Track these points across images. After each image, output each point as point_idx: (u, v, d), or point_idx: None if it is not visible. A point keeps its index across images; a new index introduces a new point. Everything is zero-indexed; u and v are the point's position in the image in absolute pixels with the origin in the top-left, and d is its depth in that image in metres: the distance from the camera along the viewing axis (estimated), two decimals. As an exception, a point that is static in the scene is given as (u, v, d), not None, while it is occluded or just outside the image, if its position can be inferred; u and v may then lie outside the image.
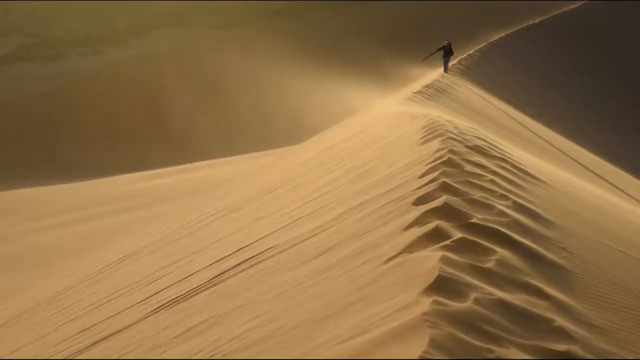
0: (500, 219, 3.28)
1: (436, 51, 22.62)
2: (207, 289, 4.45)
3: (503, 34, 39.47)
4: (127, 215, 19.63)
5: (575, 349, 2.09)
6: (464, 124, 8.03)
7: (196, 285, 4.70)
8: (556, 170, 9.43)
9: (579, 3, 49.67)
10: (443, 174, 4.01)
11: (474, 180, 3.97)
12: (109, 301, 6.17)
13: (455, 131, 6.15)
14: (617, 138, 30.77)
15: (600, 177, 15.07)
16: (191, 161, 31.98)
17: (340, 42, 47.75)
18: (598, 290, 2.98)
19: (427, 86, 17.42)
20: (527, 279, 2.60)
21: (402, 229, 3.15)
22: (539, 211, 3.89)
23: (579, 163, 15.98)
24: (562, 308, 2.46)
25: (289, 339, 2.50)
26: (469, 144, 5.42)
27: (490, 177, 4.26)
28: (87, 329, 5.36)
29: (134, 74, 44.62)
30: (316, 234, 4.32)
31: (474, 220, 3.11)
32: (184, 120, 41.04)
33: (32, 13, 49.88)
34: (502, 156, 5.51)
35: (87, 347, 4.73)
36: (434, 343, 1.86)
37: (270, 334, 2.68)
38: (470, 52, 31.81)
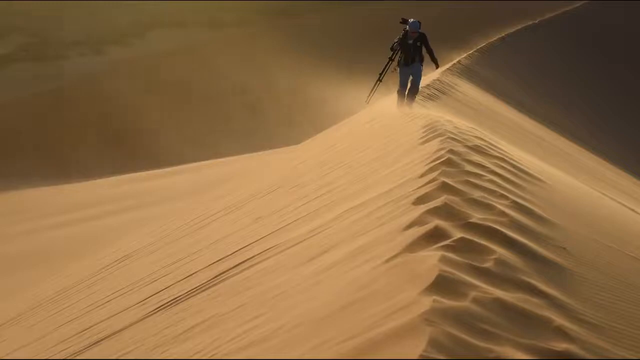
0: (499, 219, 3.28)
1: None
2: (207, 289, 4.46)
3: (503, 34, 39.48)
4: (127, 215, 19.62)
5: (574, 348, 2.10)
6: (464, 124, 8.03)
7: (196, 285, 4.70)
8: (555, 170, 9.44)
9: (579, 3, 49.65)
10: (443, 173, 4.02)
11: (473, 180, 3.97)
12: (108, 301, 6.17)
13: (455, 131, 6.16)
14: (618, 138, 30.77)
15: (600, 177, 15.08)
16: (192, 161, 31.99)
17: (339, 42, 47.72)
18: (597, 290, 2.98)
19: (427, 86, 17.40)
20: (526, 278, 2.61)
21: (402, 229, 3.15)
22: (539, 211, 3.89)
23: (578, 163, 15.99)
24: (561, 307, 2.46)
25: (289, 339, 2.50)
26: (469, 144, 5.42)
27: (490, 177, 4.27)
28: (87, 329, 5.36)
29: (134, 73, 44.61)
30: (316, 234, 4.33)
31: (473, 220, 3.11)
32: (185, 120, 41.01)
33: (32, 13, 49.87)
34: (501, 156, 5.51)
35: (87, 347, 4.73)
36: (433, 342, 1.87)
37: (270, 334, 2.69)
38: (470, 52, 31.81)
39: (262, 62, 44.08)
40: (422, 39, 10.70)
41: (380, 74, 11.57)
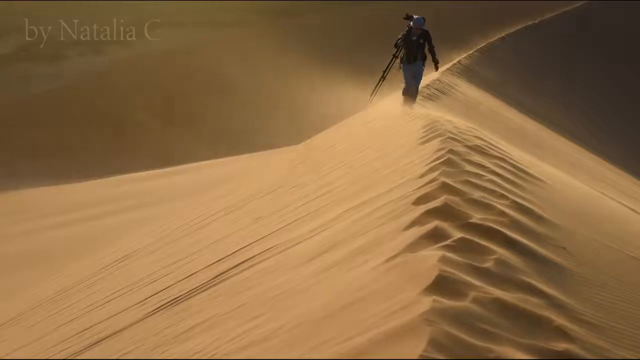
0: (499, 219, 3.28)
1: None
2: (207, 289, 4.46)
3: (503, 34, 39.47)
4: (127, 215, 19.62)
5: (574, 348, 2.10)
6: (464, 124, 8.02)
7: (196, 285, 4.70)
8: (555, 170, 9.43)
9: (579, 3, 49.62)
10: (443, 174, 4.02)
11: (473, 180, 3.97)
12: (109, 301, 6.17)
13: (455, 131, 6.16)
14: (618, 138, 30.76)
15: (600, 177, 15.07)
16: (192, 161, 31.97)
17: (340, 42, 47.72)
18: (597, 290, 2.98)
19: (427, 86, 17.38)
20: (526, 278, 2.61)
21: (402, 229, 3.15)
22: (539, 211, 3.89)
23: (578, 163, 15.98)
24: (561, 307, 2.47)
25: (289, 339, 2.50)
26: (469, 144, 5.42)
27: (490, 177, 4.26)
28: (87, 329, 5.36)
29: (134, 73, 44.62)
30: (316, 234, 4.33)
31: (473, 220, 3.11)
32: (185, 120, 41.02)
33: (32, 13, 49.87)
34: (501, 156, 5.51)
35: (87, 347, 4.73)
36: (433, 342, 1.87)
37: (270, 334, 2.69)
38: (470, 52, 31.81)
39: (262, 62, 44.08)
40: (426, 36, 10.55)
41: (384, 71, 11.40)
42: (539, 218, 3.74)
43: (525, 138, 15.52)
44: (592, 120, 31.69)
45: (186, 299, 4.48)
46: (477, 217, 3.17)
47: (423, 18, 10.64)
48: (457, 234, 2.84)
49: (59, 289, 9.20)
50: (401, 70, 10.86)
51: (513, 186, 4.39)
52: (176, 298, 4.66)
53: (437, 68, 11.17)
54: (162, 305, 4.65)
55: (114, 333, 4.65)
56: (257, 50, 45.72)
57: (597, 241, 4.20)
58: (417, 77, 10.83)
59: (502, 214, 3.41)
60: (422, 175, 4.20)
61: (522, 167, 5.50)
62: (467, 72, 25.18)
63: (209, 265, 5.22)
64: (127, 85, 43.59)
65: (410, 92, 10.86)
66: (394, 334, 1.99)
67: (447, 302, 2.13)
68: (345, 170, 6.88)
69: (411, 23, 10.61)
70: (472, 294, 2.25)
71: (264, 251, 4.67)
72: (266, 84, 41.94)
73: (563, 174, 9.46)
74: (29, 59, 46.84)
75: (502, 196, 3.84)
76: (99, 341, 4.70)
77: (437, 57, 10.77)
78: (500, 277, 2.53)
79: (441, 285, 2.27)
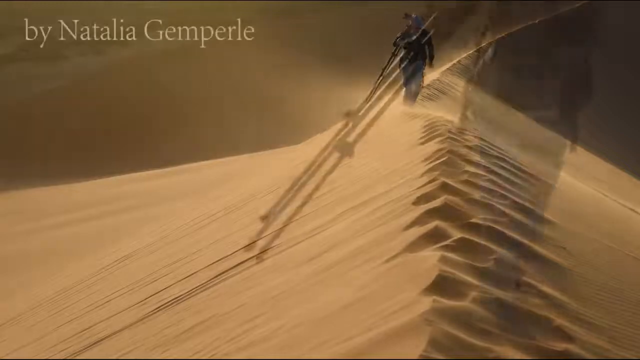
0: (499, 219, 3.28)
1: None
2: (207, 289, 4.46)
3: (503, 34, 39.47)
4: (127, 215, 19.61)
5: (574, 348, 2.10)
6: (464, 124, 8.01)
7: (196, 285, 4.70)
8: (556, 170, 9.43)
9: (579, 3, 49.59)
10: (443, 173, 4.01)
11: (473, 180, 3.96)
12: (108, 301, 6.17)
13: (455, 131, 6.15)
14: (618, 138, 30.75)
15: (600, 177, 15.07)
16: (192, 161, 31.97)
17: (340, 42, 47.71)
18: (597, 290, 2.98)
19: (427, 86, 17.37)
20: (526, 278, 2.61)
21: (402, 229, 3.15)
22: (539, 211, 3.89)
23: (578, 163, 15.98)
24: (561, 307, 2.47)
25: (289, 339, 2.50)
26: (469, 144, 5.42)
27: (490, 176, 4.26)
28: (87, 329, 5.36)
29: (134, 73, 44.62)
30: (316, 234, 4.33)
31: (473, 220, 3.11)
32: (185, 120, 41.02)
33: (32, 13, 49.87)
34: (501, 156, 5.51)
35: (87, 347, 4.74)
36: (433, 342, 1.87)
37: (270, 334, 2.69)
38: (470, 52, 31.80)
39: (262, 62, 44.09)
40: (425, 35, 10.60)
41: (383, 70, 11.39)
42: (539, 218, 3.74)
43: (525, 138, 15.51)
44: (592, 120, 31.67)
45: (186, 299, 4.48)
46: (477, 217, 3.17)
47: (422, 17, 10.75)
48: (457, 234, 2.83)
49: (59, 289, 9.20)
50: (401, 70, 10.91)
51: (513, 186, 4.39)
52: (176, 298, 4.66)
53: (430, 65, 11.18)
54: (162, 305, 4.65)
55: (114, 333, 4.65)
56: (257, 50, 45.72)
57: (597, 241, 4.20)
58: (417, 77, 10.89)
59: (502, 214, 3.40)
60: (422, 175, 4.19)
61: (522, 167, 5.50)
62: (467, 72, 25.16)
63: (209, 265, 5.22)
64: (127, 85, 43.60)
65: (410, 92, 10.90)
66: (394, 334, 1.99)
67: (447, 302, 2.13)
68: (345, 170, 6.88)
69: (410, 22, 10.69)
70: (472, 294, 2.25)
71: (264, 251, 4.67)
72: (266, 84, 41.94)
73: (563, 174, 9.46)
74: (29, 59, 46.83)
75: (502, 196, 3.84)
76: (98, 341, 4.70)
77: (434, 53, 10.84)
78: (500, 277, 2.53)
79: (441, 285, 2.27)
